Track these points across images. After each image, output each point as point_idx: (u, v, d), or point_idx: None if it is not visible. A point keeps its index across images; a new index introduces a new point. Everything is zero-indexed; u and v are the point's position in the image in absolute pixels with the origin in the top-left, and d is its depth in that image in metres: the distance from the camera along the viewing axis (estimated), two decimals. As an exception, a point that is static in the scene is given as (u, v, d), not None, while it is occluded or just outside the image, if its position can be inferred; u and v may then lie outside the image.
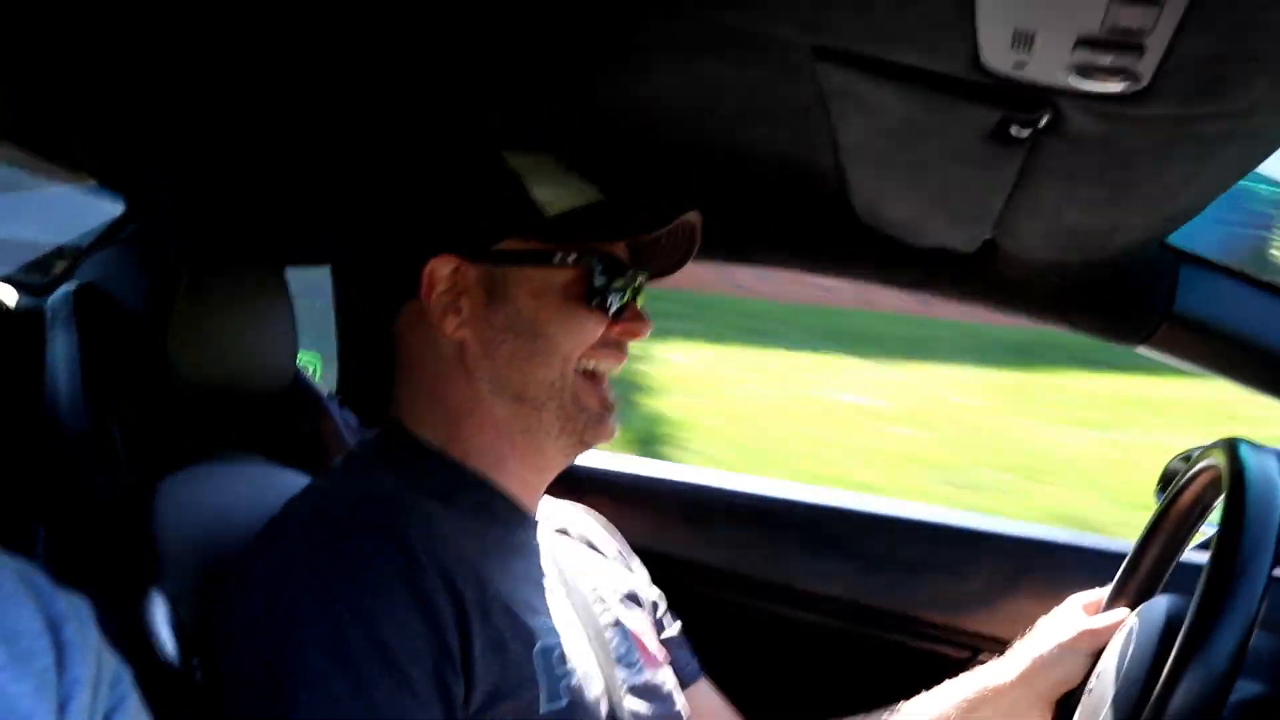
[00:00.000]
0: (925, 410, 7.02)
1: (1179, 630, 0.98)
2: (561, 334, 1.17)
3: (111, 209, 1.72)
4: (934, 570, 1.77)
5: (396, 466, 1.20)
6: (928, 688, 1.38)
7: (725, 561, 1.88)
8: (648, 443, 5.69)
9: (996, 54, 0.76)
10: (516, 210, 1.18)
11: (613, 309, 1.19)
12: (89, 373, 1.32)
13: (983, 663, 1.36)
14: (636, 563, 1.47)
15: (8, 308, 1.61)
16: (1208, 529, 1.21)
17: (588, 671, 1.17)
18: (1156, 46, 0.68)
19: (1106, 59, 0.72)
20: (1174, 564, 1.24)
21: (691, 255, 1.27)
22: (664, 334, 6.67)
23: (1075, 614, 1.30)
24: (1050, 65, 0.75)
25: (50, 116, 1.41)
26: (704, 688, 1.44)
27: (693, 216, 1.22)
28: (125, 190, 1.64)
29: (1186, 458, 1.20)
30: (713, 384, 7.25)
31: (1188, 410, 7.75)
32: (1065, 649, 1.24)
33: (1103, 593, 1.31)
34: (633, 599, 1.38)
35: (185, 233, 1.60)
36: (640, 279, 1.24)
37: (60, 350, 1.34)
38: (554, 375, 1.18)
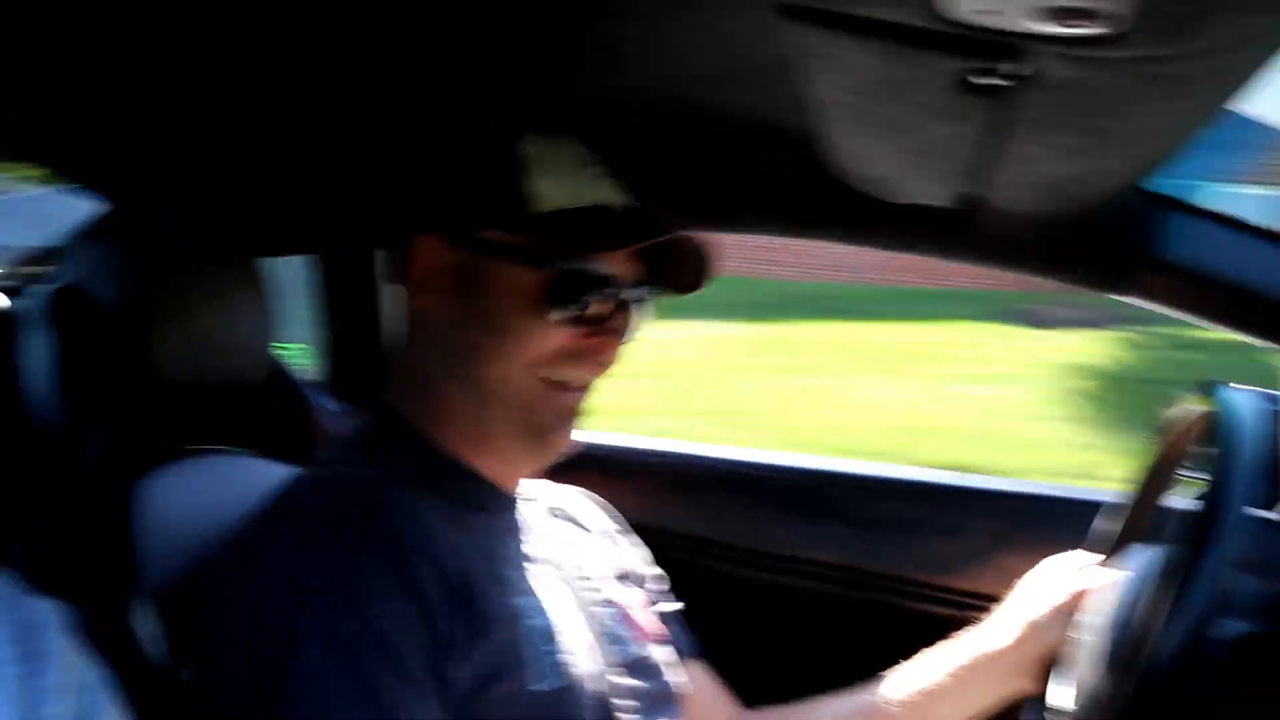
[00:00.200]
0: (661, 364, 7.61)
1: (1160, 574, 0.98)
2: (513, 337, 1.13)
3: (89, 209, 1.71)
4: (926, 531, 1.78)
5: (381, 454, 1.19)
6: (925, 648, 1.39)
7: (716, 532, 1.88)
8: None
9: (961, 2, 0.75)
10: (504, 200, 1.15)
11: (582, 320, 1.14)
12: (68, 374, 1.31)
13: (978, 620, 1.36)
14: (633, 539, 1.47)
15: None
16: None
17: (577, 649, 1.17)
18: None
19: (1075, 2, 0.71)
20: (1159, 511, 1.24)
21: (707, 275, 1.22)
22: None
23: (1065, 573, 1.30)
24: (1018, 10, 0.74)
25: (27, 119, 1.39)
26: (695, 669, 1.43)
27: (700, 237, 1.19)
28: (103, 189, 1.63)
29: (1177, 402, 1.20)
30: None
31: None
32: (1059, 611, 1.25)
33: (1085, 553, 1.32)
34: (625, 577, 1.38)
35: (164, 228, 1.59)
36: (640, 294, 1.20)
37: (40, 351, 1.34)
38: (504, 374, 1.14)
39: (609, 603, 1.30)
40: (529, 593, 1.18)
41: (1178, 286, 1.33)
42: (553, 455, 1.21)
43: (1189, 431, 1.17)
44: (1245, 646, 1.01)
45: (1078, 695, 1.11)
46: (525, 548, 1.23)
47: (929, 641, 1.40)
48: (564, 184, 1.16)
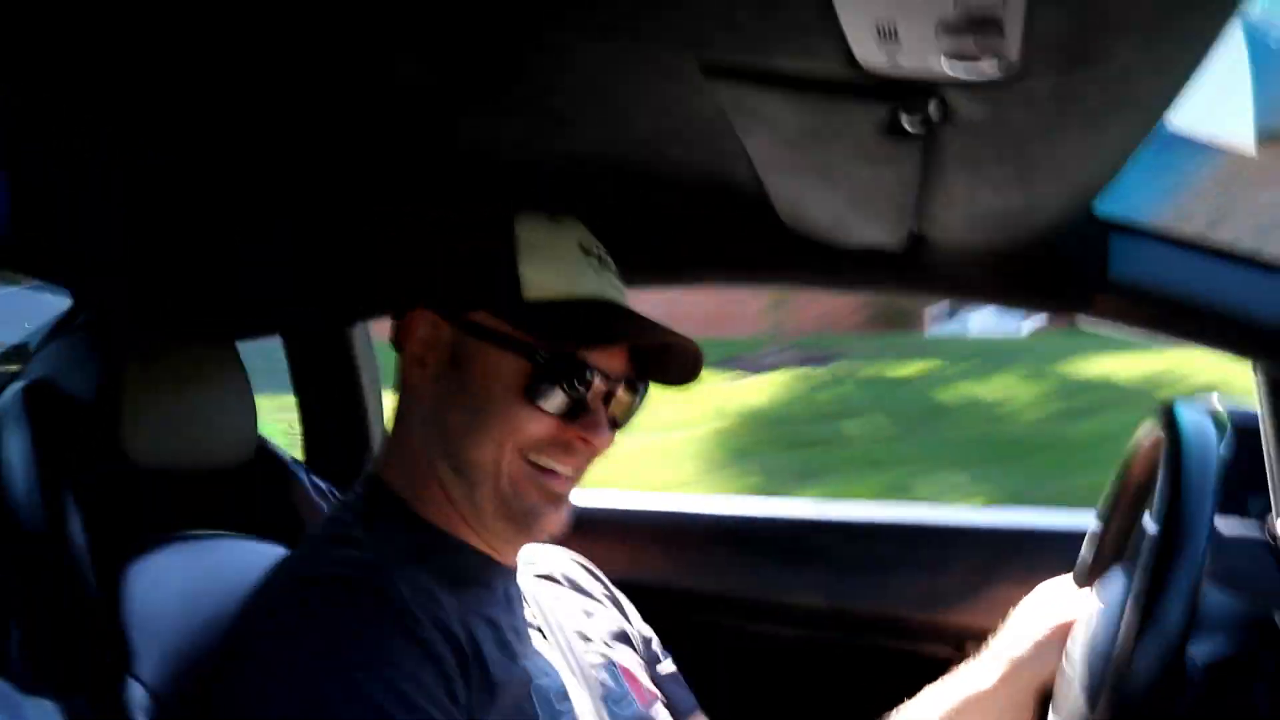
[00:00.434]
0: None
1: (1129, 599, 0.99)
2: (496, 420, 1.13)
3: (58, 304, 1.73)
4: (911, 569, 1.78)
5: (375, 530, 1.17)
6: (916, 688, 1.39)
7: (702, 584, 1.89)
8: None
9: (867, 50, 0.77)
10: (495, 284, 1.15)
11: (567, 410, 1.14)
12: (44, 467, 1.32)
13: (968, 656, 1.37)
14: (625, 601, 1.47)
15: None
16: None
17: (581, 711, 1.18)
18: (1014, 24, 0.70)
19: (972, 42, 0.73)
20: (1131, 536, 1.25)
21: (696, 374, 1.22)
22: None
23: (1045, 606, 1.31)
24: (920, 55, 0.76)
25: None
26: None
27: (681, 340, 1.18)
28: (70, 283, 1.65)
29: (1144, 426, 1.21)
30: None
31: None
32: (1040, 646, 1.26)
33: (1068, 580, 1.32)
34: (621, 638, 1.38)
35: (132, 316, 1.61)
36: (623, 388, 1.20)
37: (14, 448, 1.35)
38: (490, 457, 1.14)
39: (607, 664, 1.30)
40: (532, 657, 1.18)
41: (1135, 307, 1.34)
42: (539, 538, 1.20)
43: (1151, 453, 1.18)
44: (1220, 666, 1.02)
45: None
46: (524, 613, 1.24)
47: (921, 681, 1.40)
48: (560, 273, 1.16)
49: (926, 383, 9.26)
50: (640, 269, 1.26)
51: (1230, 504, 1.46)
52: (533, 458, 1.15)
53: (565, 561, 1.45)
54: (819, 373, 9.77)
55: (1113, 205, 1.30)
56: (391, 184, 1.33)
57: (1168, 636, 0.96)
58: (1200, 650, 1.02)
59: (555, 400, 1.13)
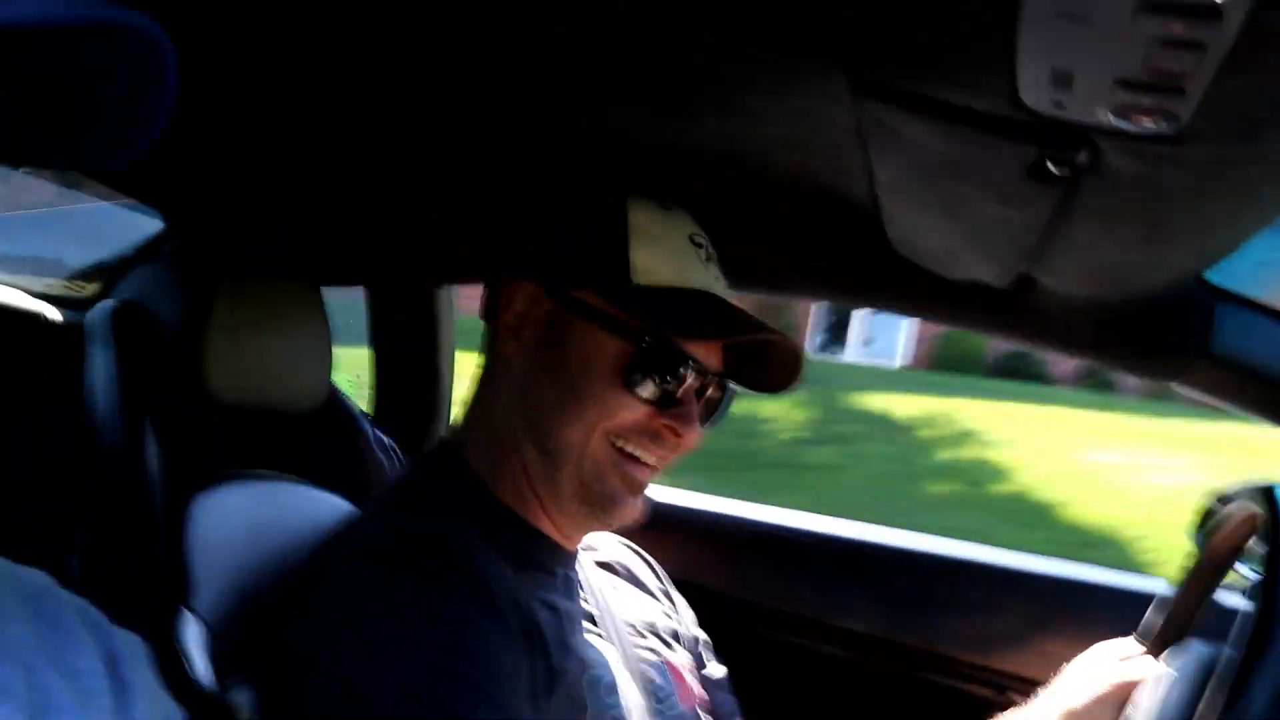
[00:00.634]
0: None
1: (1213, 678, 0.97)
2: (590, 402, 1.12)
3: (150, 225, 1.75)
4: (965, 608, 1.76)
5: (446, 499, 1.17)
6: None
7: (755, 593, 1.88)
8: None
9: (1035, 93, 0.76)
10: (607, 266, 1.15)
11: (660, 399, 1.14)
12: (127, 389, 1.33)
13: (1012, 703, 1.35)
14: (680, 601, 1.46)
15: (49, 323, 1.63)
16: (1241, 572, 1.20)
17: (629, 706, 1.17)
18: (1196, 89, 0.68)
19: (1145, 100, 0.72)
20: (1203, 607, 1.22)
21: (796, 378, 1.21)
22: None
23: (1105, 663, 1.29)
24: (1089, 105, 0.75)
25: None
26: None
27: (784, 341, 1.18)
28: (163, 206, 1.66)
29: (1222, 499, 1.19)
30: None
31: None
32: (1098, 701, 1.23)
33: (1131, 641, 1.30)
34: (674, 636, 1.37)
35: (223, 249, 1.61)
36: (716, 385, 1.19)
37: (99, 366, 1.36)
38: (577, 438, 1.13)
39: (658, 660, 1.30)
40: (587, 647, 1.18)
41: (1232, 380, 1.32)
42: (613, 525, 1.19)
43: (1240, 528, 1.15)
44: None
45: None
46: (582, 601, 1.23)
47: (963, 719, 1.38)
48: (669, 262, 1.16)
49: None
50: (735, 269, 1.25)
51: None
52: (619, 443, 1.14)
53: (625, 552, 1.44)
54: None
55: (1223, 274, 1.27)
56: (505, 157, 1.33)
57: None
58: None
59: (651, 388, 1.12)
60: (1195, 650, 1.13)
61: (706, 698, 1.35)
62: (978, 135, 0.87)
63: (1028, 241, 1.12)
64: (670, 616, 1.40)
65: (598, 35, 0.94)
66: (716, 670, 1.42)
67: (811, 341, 13.09)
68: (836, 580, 1.85)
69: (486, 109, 1.19)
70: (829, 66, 0.87)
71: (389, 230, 1.60)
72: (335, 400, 1.64)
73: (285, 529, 1.29)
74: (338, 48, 1.07)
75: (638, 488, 1.17)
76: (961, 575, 1.81)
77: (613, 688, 1.15)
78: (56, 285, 1.90)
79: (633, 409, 1.13)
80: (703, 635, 1.45)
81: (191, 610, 1.16)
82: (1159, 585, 1.31)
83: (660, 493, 1.97)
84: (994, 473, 8.50)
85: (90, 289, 1.81)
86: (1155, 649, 1.24)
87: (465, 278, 1.81)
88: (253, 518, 1.31)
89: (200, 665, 1.12)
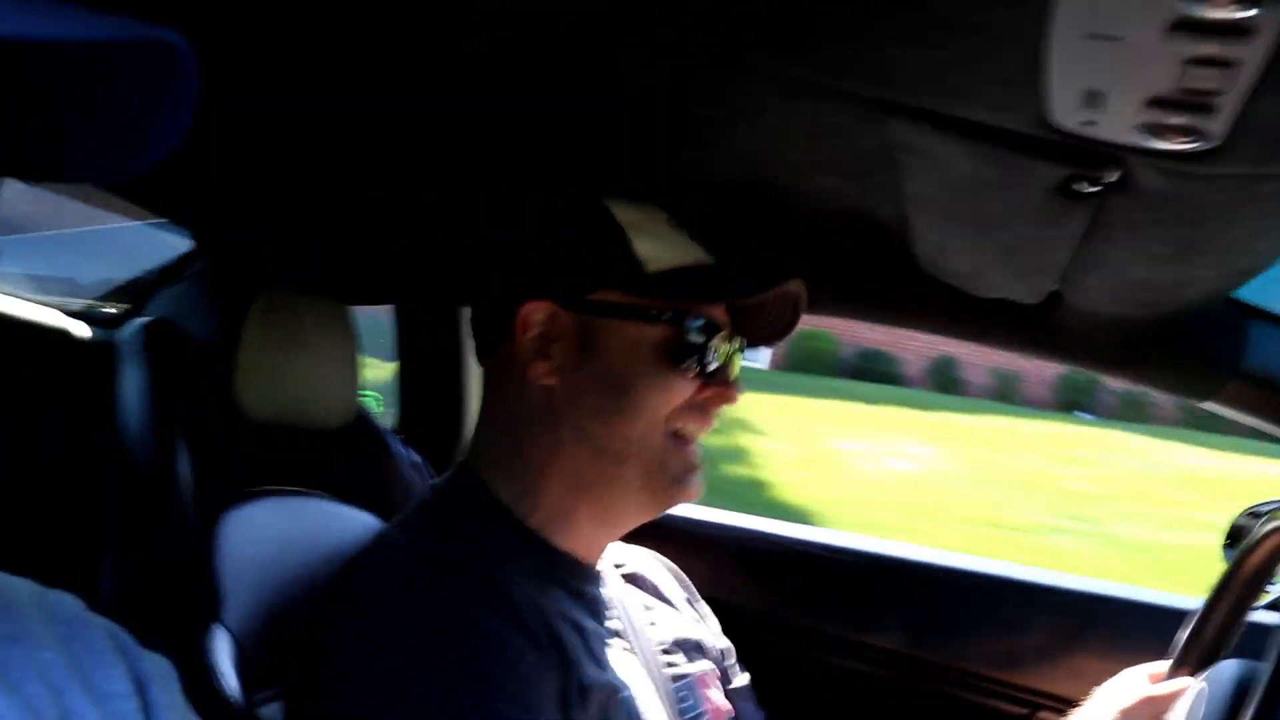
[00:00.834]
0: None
1: (1249, 696, 0.96)
2: (649, 392, 1.15)
3: (179, 245, 1.76)
4: (994, 624, 1.76)
5: (469, 523, 1.18)
6: None
7: (782, 611, 1.87)
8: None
9: (1066, 112, 0.76)
10: (617, 262, 1.17)
11: (704, 372, 1.17)
12: (159, 406, 1.34)
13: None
14: (706, 611, 1.46)
15: (81, 341, 1.65)
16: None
17: None
18: (1229, 108, 0.68)
19: (1177, 119, 0.71)
20: (1238, 625, 1.21)
21: (794, 326, 1.26)
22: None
23: (1137, 680, 1.28)
24: (1120, 124, 0.75)
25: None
26: None
27: (796, 287, 1.22)
28: (193, 226, 1.67)
29: (1254, 514, 1.18)
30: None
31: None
32: (1127, 715, 1.23)
33: (1163, 663, 1.29)
34: (700, 649, 1.37)
35: (254, 268, 1.62)
36: (737, 345, 1.23)
37: (131, 383, 1.37)
38: (639, 432, 1.16)
39: (684, 674, 1.30)
40: (616, 666, 1.18)
41: (1264, 397, 1.31)
42: (676, 505, 1.23)
43: (1274, 544, 1.14)
44: None
45: None
46: (607, 619, 1.24)
47: None
48: (667, 246, 1.19)
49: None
50: (760, 287, 1.25)
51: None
52: (672, 426, 1.18)
53: (652, 563, 1.44)
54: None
55: (1255, 291, 1.27)
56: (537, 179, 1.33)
57: None
58: None
59: (696, 362, 1.16)
60: (1229, 668, 1.12)
61: (732, 710, 1.35)
62: (1008, 154, 0.87)
63: (1057, 260, 1.12)
64: (697, 627, 1.40)
65: (628, 66, 0.95)
66: (741, 679, 1.42)
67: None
68: (863, 596, 1.85)
69: (522, 135, 1.20)
70: (862, 87, 0.87)
71: (420, 250, 1.61)
72: (363, 418, 1.65)
73: (315, 545, 1.29)
74: (369, 67, 1.08)
75: (694, 465, 1.20)
76: (990, 591, 1.80)
77: (640, 706, 1.15)
78: (87, 303, 1.91)
79: (684, 388, 1.17)
80: (729, 645, 1.45)
81: (223, 624, 1.17)
82: (1191, 601, 1.29)
83: (687, 509, 1.96)
84: (735, 455, 8.80)
85: (121, 307, 1.83)
86: (1188, 668, 1.23)
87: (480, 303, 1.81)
88: (282, 534, 1.31)
89: (230, 681, 1.12)
